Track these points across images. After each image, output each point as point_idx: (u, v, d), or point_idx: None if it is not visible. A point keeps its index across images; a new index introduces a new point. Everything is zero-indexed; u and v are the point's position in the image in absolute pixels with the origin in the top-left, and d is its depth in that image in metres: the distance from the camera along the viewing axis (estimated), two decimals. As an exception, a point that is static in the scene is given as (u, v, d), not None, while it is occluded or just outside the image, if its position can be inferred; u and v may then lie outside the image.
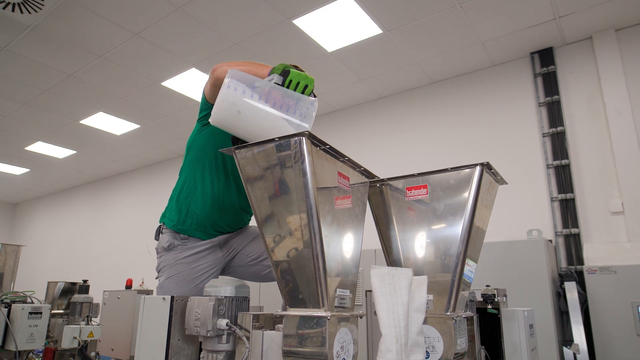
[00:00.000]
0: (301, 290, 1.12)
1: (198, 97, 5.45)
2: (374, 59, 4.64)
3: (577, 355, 3.15)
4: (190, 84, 5.20)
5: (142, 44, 4.40)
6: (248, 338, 1.17)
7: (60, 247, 9.61)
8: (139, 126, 6.47)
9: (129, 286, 3.97)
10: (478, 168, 1.30)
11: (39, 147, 7.43)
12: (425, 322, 1.26)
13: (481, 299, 1.61)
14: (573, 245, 3.84)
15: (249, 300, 1.31)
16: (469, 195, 1.29)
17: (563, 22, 3.98)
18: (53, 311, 3.10)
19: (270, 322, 1.27)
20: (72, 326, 2.78)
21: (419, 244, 1.36)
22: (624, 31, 4.03)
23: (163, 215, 1.99)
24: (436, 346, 1.23)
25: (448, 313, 1.24)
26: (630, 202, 3.68)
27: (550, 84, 4.27)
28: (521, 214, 4.11)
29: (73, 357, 2.83)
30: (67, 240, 9.50)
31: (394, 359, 1.00)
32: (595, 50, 4.10)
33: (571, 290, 3.32)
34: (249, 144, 1.18)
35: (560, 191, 4.00)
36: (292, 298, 1.13)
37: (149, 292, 3.80)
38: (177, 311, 1.30)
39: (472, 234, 1.28)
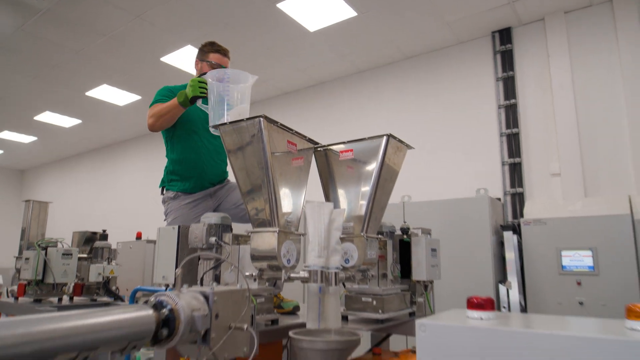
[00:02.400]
0: (262, 218, 1.75)
1: (193, 71, 5.96)
2: (352, 38, 5.15)
3: (509, 290, 3.84)
4: (186, 59, 5.71)
5: (143, 25, 4.90)
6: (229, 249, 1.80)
7: (66, 210, 10.29)
8: (140, 97, 7.00)
9: (139, 238, 4.62)
10: (385, 137, 1.90)
11: (47, 117, 7.98)
12: (350, 240, 1.90)
13: (399, 232, 2.25)
14: (518, 202, 4.49)
15: (231, 227, 1.94)
16: (379, 155, 1.90)
17: (517, 5, 4.48)
18: (79, 255, 3.76)
19: (244, 240, 1.90)
20: (97, 265, 3.45)
21: (347, 190, 1.98)
22: (572, 13, 4.54)
23: (163, 181, 2.76)
24: (354, 255, 1.88)
25: (362, 234, 1.88)
26: (566, 165, 4.30)
27: (507, 61, 4.81)
28: (478, 175, 4.74)
29: (98, 290, 3.51)
30: (73, 203, 10.17)
31: (315, 256, 1.64)
32: (546, 31, 4.62)
33: (508, 238, 3.98)
34: (229, 123, 1.78)
35: (509, 156, 4.61)
36: (257, 223, 1.76)
37: (154, 242, 4.46)
38: (182, 235, 1.93)
39: (380, 182, 1.90)
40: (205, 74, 2.31)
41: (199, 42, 2.95)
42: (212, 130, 2.02)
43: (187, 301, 1.03)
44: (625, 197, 3.74)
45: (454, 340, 1.14)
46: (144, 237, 4.64)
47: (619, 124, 4.12)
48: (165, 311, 0.97)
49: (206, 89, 2.23)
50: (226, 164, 2.84)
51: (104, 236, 3.78)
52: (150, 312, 0.95)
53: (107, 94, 6.89)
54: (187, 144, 2.66)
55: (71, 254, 3.34)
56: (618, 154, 4.11)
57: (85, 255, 3.75)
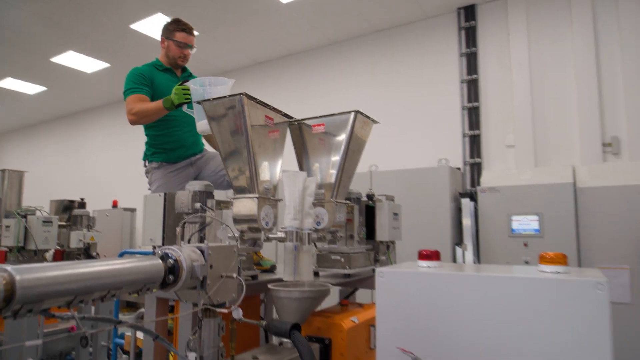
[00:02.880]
0: (243, 185, 1.95)
1: (165, 40, 5.93)
2: (323, 9, 5.24)
3: (465, 252, 4.23)
4: (157, 27, 5.67)
5: (112, -8, 4.83)
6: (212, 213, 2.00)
7: (35, 179, 10.09)
8: (109, 65, 6.89)
9: (115, 206, 4.73)
10: (353, 113, 2.12)
11: (9, 83, 7.73)
12: (321, 205, 2.14)
13: (366, 198, 2.50)
14: (476, 171, 4.84)
15: (213, 194, 2.14)
16: (348, 129, 2.12)
17: (481, -16, 4.69)
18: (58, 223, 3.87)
19: (226, 206, 2.11)
20: (77, 232, 3.58)
21: (318, 160, 2.21)
22: (532, -7, 4.79)
23: (145, 155, 2.97)
24: (324, 218, 2.12)
25: (332, 199, 2.12)
26: (520, 138, 4.65)
27: (470, 37, 5.05)
28: (440, 146, 5.05)
29: (79, 256, 3.65)
30: (42, 172, 9.99)
31: (291, 218, 1.86)
32: (508, 10, 4.87)
33: (465, 205, 4.34)
34: (212, 99, 1.95)
35: (470, 128, 4.93)
36: (238, 190, 1.97)
37: (132, 210, 4.58)
38: (168, 201, 2.12)
39: (348, 153, 2.13)
40: (181, 66, 2.64)
41: (170, 11, 3.05)
42: (199, 131, 2.24)
43: (187, 254, 1.24)
44: (570, 168, 4.13)
45: (406, 283, 1.41)
46: (119, 206, 4.73)
47: (568, 100, 4.48)
48: (170, 261, 1.18)
49: (190, 95, 2.43)
50: (200, 135, 3.03)
51: (82, 204, 3.89)
52: (159, 261, 1.16)
53: (74, 60, 6.74)
54: (165, 119, 2.80)
55: (51, 222, 3.45)
56: (566, 127, 4.48)
57: (64, 223, 3.86)
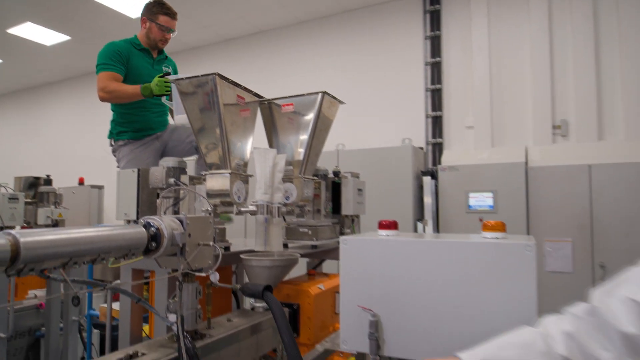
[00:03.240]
0: (215, 161, 2.05)
1: (128, 13, 5.80)
2: (292, -11, 5.26)
3: (425, 227, 4.48)
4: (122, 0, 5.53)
5: (74, -38, 4.68)
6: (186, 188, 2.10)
7: (-10, 156, 9.72)
8: (69, 38, 6.66)
9: (81, 183, 4.69)
10: (320, 94, 2.24)
11: (-39, 54, 7.35)
12: (290, 181, 2.27)
13: (332, 175, 2.65)
14: (437, 151, 5.08)
15: (186, 170, 2.22)
16: (315, 109, 2.25)
17: (446, -31, 4.83)
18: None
19: (199, 181, 2.20)
20: (45, 209, 3.57)
21: (287, 138, 2.32)
22: (493, -21, 4.97)
23: (111, 133, 3.04)
24: (293, 193, 2.25)
25: (300, 175, 2.25)
26: (479, 119, 4.90)
27: (435, 20, 5.21)
28: (404, 126, 5.25)
29: (46, 232, 3.65)
30: (1, 148, 9.60)
31: (262, 193, 1.99)
32: (471, -6, 5.04)
33: (427, 182, 4.57)
34: (184, 78, 2.02)
35: (432, 109, 5.14)
36: (211, 166, 2.06)
37: (100, 187, 4.56)
38: (142, 176, 2.19)
39: (316, 132, 2.26)
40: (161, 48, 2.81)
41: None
42: (176, 124, 2.31)
43: (167, 223, 1.35)
44: (523, 148, 4.42)
45: (366, 249, 1.57)
46: (86, 183, 4.68)
47: (523, 84, 4.74)
48: (153, 229, 1.29)
49: (170, 87, 2.55)
50: (167, 114, 3.11)
51: (48, 181, 3.86)
52: (142, 229, 1.26)
53: (32, 32, 6.48)
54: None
55: (17, 198, 3.43)
56: (521, 110, 4.75)
57: (30, 200, 3.83)
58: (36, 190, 3.84)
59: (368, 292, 1.54)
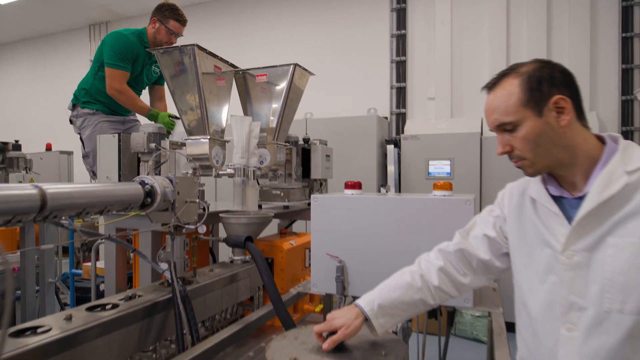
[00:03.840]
0: (195, 127, 2.21)
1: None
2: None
3: (388, 192, 4.78)
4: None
5: None
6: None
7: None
8: (26, -3, 6.38)
9: (49, 149, 4.66)
10: (292, 66, 2.40)
11: None
12: (264, 146, 2.45)
13: (302, 141, 2.85)
14: (401, 121, 5.34)
15: (165, 136, 2.36)
16: (287, 80, 2.42)
17: (412, -58, 4.95)
18: (-9, 165, 3.82)
19: (178, 147, 2.35)
20: (16, 174, 3.60)
21: (261, 107, 2.49)
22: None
23: (77, 99, 3.15)
24: (267, 158, 2.45)
25: (273, 142, 2.44)
26: (440, 91, 5.17)
27: (401, -7, 5.36)
28: (370, 97, 5.46)
29: (18, 197, 3.69)
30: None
31: (239, 157, 2.17)
32: (431, -32, 5.20)
33: (390, 151, 4.84)
34: (166, 48, 2.14)
35: (397, 81, 5.36)
36: (191, 132, 2.22)
37: (69, 153, 4.56)
38: (124, 141, 2.32)
39: (288, 101, 2.43)
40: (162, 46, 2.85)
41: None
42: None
43: (160, 182, 1.52)
44: (479, 119, 4.73)
45: (334, 205, 1.80)
46: (53, 149, 4.66)
47: (482, 59, 5.02)
48: (148, 187, 1.46)
49: (173, 127, 2.79)
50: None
51: (17, 146, 3.85)
52: (139, 186, 1.44)
53: (-15, -10, 6.16)
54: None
55: (-14, 164, 3.44)
56: (478, 84, 5.02)
57: (-2, 165, 3.83)
58: (4, 155, 3.83)
59: (335, 242, 1.78)
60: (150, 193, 1.46)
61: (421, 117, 5.31)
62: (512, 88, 1.09)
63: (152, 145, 2.25)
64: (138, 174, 2.36)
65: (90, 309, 1.39)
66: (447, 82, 5.12)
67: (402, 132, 5.18)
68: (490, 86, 1.17)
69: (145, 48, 2.99)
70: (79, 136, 3.16)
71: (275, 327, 2.29)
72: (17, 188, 1.01)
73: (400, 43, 5.36)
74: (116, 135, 2.33)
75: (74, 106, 3.18)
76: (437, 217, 1.62)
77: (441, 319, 2.06)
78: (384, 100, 5.43)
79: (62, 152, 4.27)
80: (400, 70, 5.36)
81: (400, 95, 5.37)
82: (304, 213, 2.81)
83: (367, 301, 1.27)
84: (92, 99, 3.10)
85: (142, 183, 1.47)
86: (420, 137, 4.82)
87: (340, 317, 1.21)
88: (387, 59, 5.43)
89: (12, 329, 1.15)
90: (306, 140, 2.84)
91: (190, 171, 2.27)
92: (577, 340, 1.04)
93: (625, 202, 0.99)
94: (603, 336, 1.01)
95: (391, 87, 5.41)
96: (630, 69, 4.51)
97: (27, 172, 3.69)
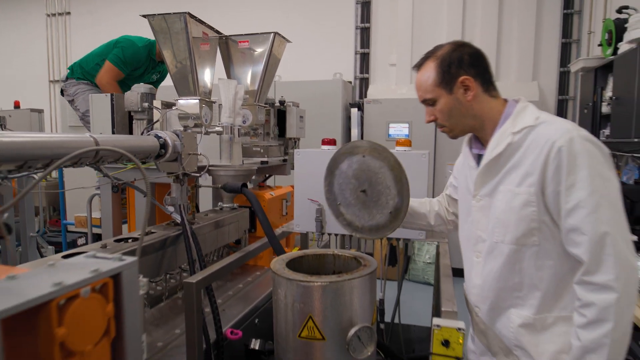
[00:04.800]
0: (184, 89, 2.44)
1: None
2: None
3: (352, 152, 5.15)
4: None
5: None
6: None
7: None
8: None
9: (17, 107, 4.65)
10: (272, 34, 2.65)
11: None
12: (246, 108, 2.72)
13: (278, 103, 3.13)
14: (364, 85, 5.67)
15: (155, 96, 2.57)
16: (268, 47, 2.67)
17: None
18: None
19: (169, 106, 2.58)
20: (-8, 130, 3.66)
21: (243, 71, 2.74)
22: None
23: (74, 72, 3.39)
24: (249, 118, 2.72)
25: (255, 103, 2.71)
26: (401, 57, 5.51)
27: (366, -40, 5.55)
28: (335, 62, 5.72)
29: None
30: None
31: (227, 116, 2.44)
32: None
33: (354, 114, 5.18)
34: (158, 14, 2.32)
35: (361, 47, 5.64)
36: (181, 92, 2.45)
37: (39, 111, 4.57)
38: (116, 101, 2.51)
39: (268, 67, 2.70)
40: None
41: None
42: None
43: (170, 136, 1.79)
44: (436, 85, 5.13)
45: (314, 158, 2.13)
46: (22, 106, 4.62)
47: (440, 28, 5.37)
48: (161, 139, 1.73)
49: None
50: None
51: (-12, 103, 3.88)
52: (156, 139, 1.70)
53: None
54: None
55: (-40, 120, 3.49)
56: (436, 51, 5.40)
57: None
58: (-23, 112, 3.85)
59: (314, 189, 2.12)
60: (163, 145, 1.73)
61: (383, 83, 5.65)
62: (430, 71, 1.37)
63: (145, 104, 2.48)
64: (131, 133, 2.59)
65: (117, 240, 1.68)
66: (407, 50, 5.45)
67: (365, 97, 5.52)
68: (417, 67, 1.45)
69: (152, 58, 3.28)
70: (69, 103, 3.40)
71: (257, 266, 2.65)
72: (78, 136, 1.27)
73: (365, 10, 5.60)
74: (108, 95, 2.53)
75: (67, 78, 3.43)
76: (399, 167, 1.99)
77: (398, 266, 2.45)
78: (349, 65, 5.71)
79: (32, 110, 4.28)
80: (365, 36, 5.63)
81: (364, 61, 5.66)
82: (280, 168, 3.13)
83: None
84: (87, 77, 3.35)
85: (157, 136, 1.73)
86: (382, 101, 5.18)
87: None
88: (352, 25, 5.68)
89: (63, 253, 1.43)
90: (282, 102, 3.12)
91: (181, 129, 2.52)
92: (480, 264, 1.38)
93: (510, 157, 1.28)
94: (493, 261, 1.33)
95: (355, 53, 5.69)
96: (569, 43, 5.02)
97: (2, 129, 3.75)
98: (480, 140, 1.45)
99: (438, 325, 1.15)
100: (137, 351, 0.68)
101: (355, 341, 1.29)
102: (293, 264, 1.53)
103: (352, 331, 1.30)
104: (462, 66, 1.33)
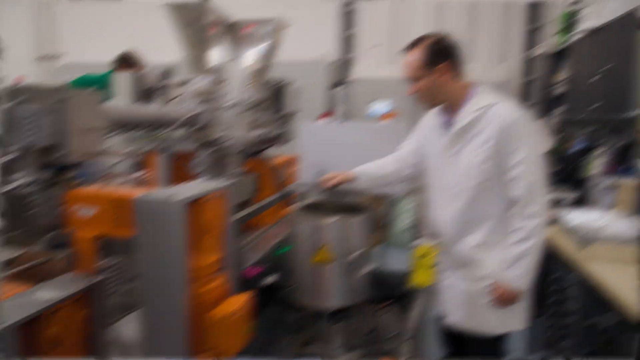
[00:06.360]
0: (198, 68, 2.80)
1: None
2: None
3: (337, 128, 5.57)
4: None
5: None
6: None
7: None
8: None
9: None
10: (276, 20, 3.02)
11: None
12: (251, 85, 3.09)
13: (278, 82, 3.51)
14: (349, 65, 6.05)
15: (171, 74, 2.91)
16: (269, 31, 3.04)
17: None
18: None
19: (183, 83, 2.93)
20: None
21: (248, 52, 3.11)
22: None
23: None
24: (254, 94, 3.10)
25: (258, 81, 3.09)
26: (384, 40, 5.90)
27: (351, -55, 5.85)
28: (322, 42, 6.06)
29: None
30: None
31: (236, 93, 2.82)
32: None
33: (337, 92, 5.58)
34: (178, 4, 2.66)
35: (346, 28, 6.01)
36: (194, 70, 2.81)
37: None
38: (138, 78, 2.84)
39: (270, 48, 3.07)
40: None
41: None
42: None
43: (200, 108, 2.16)
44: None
45: (316, 130, 2.55)
46: None
47: (418, 12, 5.77)
48: (196, 111, 2.11)
49: None
50: None
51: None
52: (192, 110, 2.08)
53: None
54: None
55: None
56: (413, 34, 5.81)
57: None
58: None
59: (316, 156, 2.56)
60: (195, 116, 2.12)
61: (367, 62, 6.04)
62: (417, 55, 1.85)
63: (164, 82, 2.83)
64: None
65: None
66: (390, 32, 5.85)
67: (349, 76, 5.91)
68: (407, 49, 1.93)
69: None
70: None
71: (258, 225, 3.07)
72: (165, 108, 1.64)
73: (349, -5, 5.93)
74: (129, 74, 2.86)
75: None
76: (383, 136, 2.44)
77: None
78: (334, 45, 6.07)
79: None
80: (350, 18, 5.98)
81: (349, 42, 6.02)
82: (279, 139, 3.52)
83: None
84: None
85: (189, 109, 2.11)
86: (366, 80, 5.60)
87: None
88: (338, 6, 6.00)
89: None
90: (280, 82, 3.50)
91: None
92: (447, 204, 1.90)
93: (473, 127, 1.81)
94: (458, 202, 1.85)
95: (340, 34, 6.04)
96: (534, 30, 5.53)
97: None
98: (447, 111, 1.91)
99: (417, 245, 1.62)
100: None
101: (355, 261, 1.75)
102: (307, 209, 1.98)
103: (354, 254, 1.76)
104: (441, 55, 1.80)
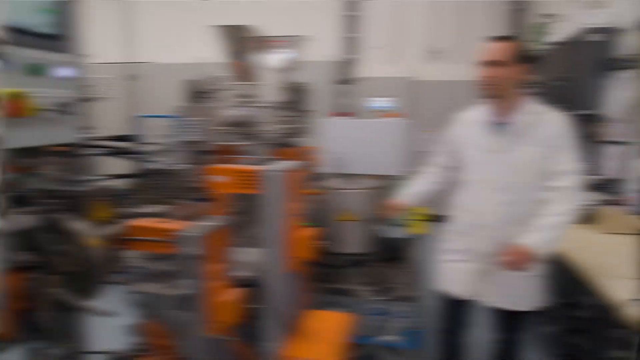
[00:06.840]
0: (241, 75, 3.51)
1: None
2: None
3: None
4: None
5: None
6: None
7: None
8: None
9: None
10: (301, 36, 3.71)
11: None
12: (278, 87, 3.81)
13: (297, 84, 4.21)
14: (354, 65, 6.72)
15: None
16: (296, 45, 3.74)
17: None
18: None
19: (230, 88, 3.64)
20: None
21: (275, 59, 3.81)
22: None
23: None
24: (281, 95, 3.81)
25: (284, 84, 3.80)
26: (385, 42, 6.56)
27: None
28: (328, 43, 6.71)
29: None
30: None
31: (268, 95, 3.52)
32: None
33: (344, 88, 6.26)
34: (229, 26, 3.36)
35: (350, 31, 6.67)
36: (237, 78, 3.52)
37: None
38: (191, 84, 3.55)
39: (294, 56, 3.77)
40: None
41: None
42: None
43: (252, 110, 2.88)
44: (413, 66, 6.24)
45: (336, 124, 3.27)
46: None
47: (416, 18, 6.44)
48: (251, 112, 2.82)
49: None
50: None
51: None
52: (249, 111, 2.80)
53: None
54: None
55: None
56: (413, 37, 6.50)
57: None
58: None
59: (336, 145, 3.27)
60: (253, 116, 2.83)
61: (370, 63, 6.71)
62: (508, 48, 2.01)
63: (212, 88, 3.53)
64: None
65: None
66: (390, 36, 6.53)
67: (353, 75, 6.59)
68: (497, 39, 2.07)
69: None
70: None
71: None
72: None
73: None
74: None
75: None
76: (389, 131, 3.16)
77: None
78: (340, 47, 6.73)
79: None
80: (356, 22, 6.64)
81: (353, 43, 6.69)
82: (300, 134, 4.23)
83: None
84: None
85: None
86: (368, 79, 6.30)
87: None
88: (342, 10, 6.65)
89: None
90: (300, 84, 4.20)
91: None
92: (495, 197, 2.09)
93: (529, 130, 2.02)
94: (507, 194, 2.05)
95: (345, 36, 6.70)
96: (513, 37, 6.22)
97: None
98: (498, 110, 2.12)
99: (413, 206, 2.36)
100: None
101: (374, 219, 2.49)
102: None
103: (372, 214, 2.49)
104: (527, 59, 2.10)
